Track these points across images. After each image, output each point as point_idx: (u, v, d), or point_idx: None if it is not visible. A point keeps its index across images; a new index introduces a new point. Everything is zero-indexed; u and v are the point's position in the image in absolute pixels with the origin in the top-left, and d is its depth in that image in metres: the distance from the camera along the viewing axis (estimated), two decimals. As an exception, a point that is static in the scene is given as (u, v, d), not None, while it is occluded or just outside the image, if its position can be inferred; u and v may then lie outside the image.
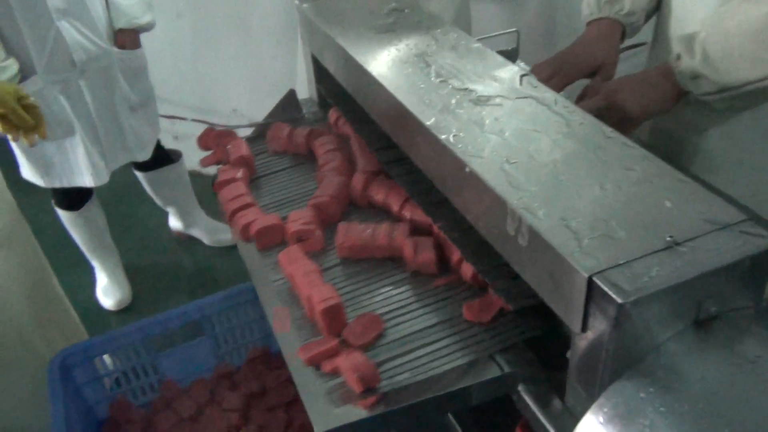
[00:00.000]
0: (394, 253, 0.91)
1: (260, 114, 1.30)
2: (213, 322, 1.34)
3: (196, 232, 2.46)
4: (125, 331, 1.26)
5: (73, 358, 1.23)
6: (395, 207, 0.95)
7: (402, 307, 0.85)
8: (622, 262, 0.58)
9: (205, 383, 1.33)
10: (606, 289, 0.56)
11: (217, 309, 1.33)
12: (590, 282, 0.58)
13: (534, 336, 0.78)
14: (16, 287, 1.24)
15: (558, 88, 1.00)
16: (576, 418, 0.67)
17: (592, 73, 1.03)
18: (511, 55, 1.01)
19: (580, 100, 0.99)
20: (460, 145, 0.75)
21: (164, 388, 1.33)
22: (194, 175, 2.48)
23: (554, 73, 1.01)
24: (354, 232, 0.92)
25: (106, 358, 1.27)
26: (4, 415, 1.22)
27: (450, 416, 0.88)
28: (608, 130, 0.76)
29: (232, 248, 2.46)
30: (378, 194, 0.97)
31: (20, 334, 1.24)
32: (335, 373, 0.78)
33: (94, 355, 1.25)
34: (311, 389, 0.82)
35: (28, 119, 1.27)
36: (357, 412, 0.75)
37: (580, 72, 1.03)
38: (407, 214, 0.94)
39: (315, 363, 0.79)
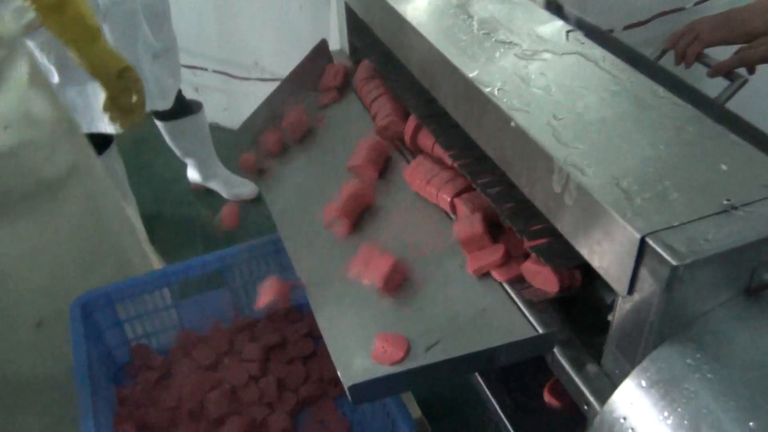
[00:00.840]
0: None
1: (282, 68, 1.27)
2: (234, 273, 1.33)
3: (214, 185, 2.45)
4: (147, 278, 1.26)
5: (94, 302, 1.22)
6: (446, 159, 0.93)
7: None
8: (676, 224, 0.56)
9: (224, 333, 1.33)
10: (660, 250, 0.54)
11: (239, 260, 1.32)
12: (643, 243, 0.56)
13: (568, 298, 0.76)
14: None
15: (701, 47, 1.05)
16: (613, 383, 0.66)
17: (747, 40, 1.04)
18: (556, 9, 0.98)
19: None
20: (504, 99, 0.73)
21: (183, 336, 1.33)
22: (214, 128, 2.46)
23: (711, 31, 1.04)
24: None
25: (128, 303, 1.27)
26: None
27: (477, 375, 0.87)
28: (660, 90, 0.73)
29: (249, 202, 2.45)
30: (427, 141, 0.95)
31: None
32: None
33: (115, 300, 1.24)
34: (341, 342, 0.81)
35: (126, 98, 1.25)
36: (384, 368, 0.74)
37: (738, 35, 1.04)
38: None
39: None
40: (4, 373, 1.28)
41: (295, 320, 1.38)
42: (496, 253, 0.80)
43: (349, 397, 0.74)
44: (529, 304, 0.75)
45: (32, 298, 1.23)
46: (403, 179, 0.97)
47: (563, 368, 0.69)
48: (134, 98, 1.31)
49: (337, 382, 1.27)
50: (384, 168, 1.04)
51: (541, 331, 0.72)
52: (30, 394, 1.30)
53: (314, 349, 1.32)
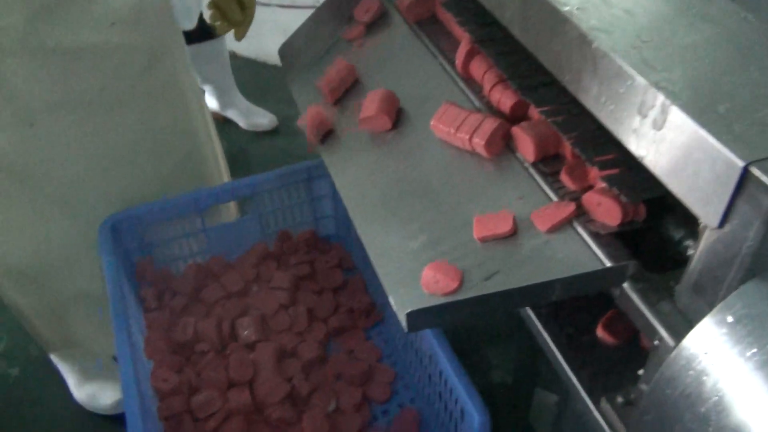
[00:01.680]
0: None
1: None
2: (264, 200, 1.31)
3: (232, 114, 2.40)
4: (177, 201, 1.23)
5: (123, 223, 1.20)
6: (487, 86, 0.89)
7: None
8: (780, 152, 0.53)
9: (253, 261, 1.31)
10: (764, 179, 0.51)
11: (270, 187, 1.29)
12: (745, 171, 0.52)
13: (629, 233, 0.73)
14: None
15: None
16: (688, 319, 0.64)
17: None
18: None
19: None
20: (584, 19, 0.68)
21: (212, 261, 1.31)
22: (231, 57, 2.39)
23: None
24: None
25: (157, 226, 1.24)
26: None
27: (528, 309, 0.85)
28: (748, 16, 0.69)
29: (267, 133, 2.41)
30: (478, 70, 0.90)
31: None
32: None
33: (145, 222, 1.22)
34: (392, 270, 0.79)
35: (236, 10, 1.21)
36: (440, 298, 0.72)
37: None
38: (497, 95, 0.88)
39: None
40: (73, 282, 1.28)
41: (325, 251, 1.37)
42: (567, 208, 0.76)
43: (405, 326, 0.73)
44: (595, 236, 0.72)
45: (107, 206, 1.21)
46: (421, 129, 0.93)
47: (633, 303, 0.67)
48: (241, 14, 1.26)
49: (367, 313, 1.27)
50: (397, 119, 0.99)
51: (608, 264, 0.69)
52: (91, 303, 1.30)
53: (344, 281, 1.31)
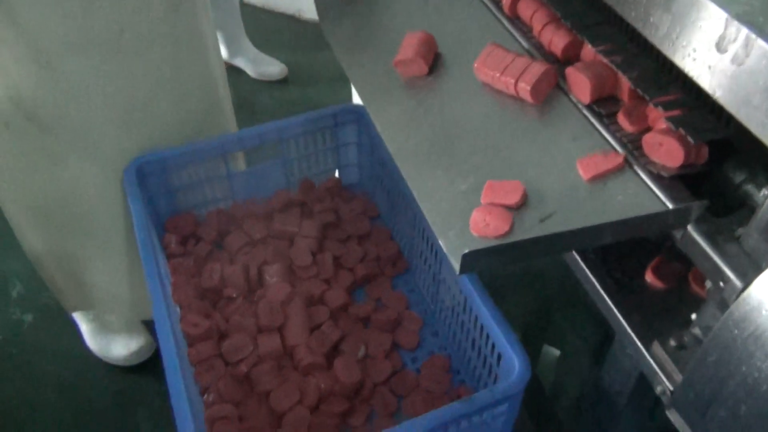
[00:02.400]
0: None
1: None
2: (290, 146, 1.29)
3: (240, 62, 2.36)
4: (202, 146, 1.20)
5: (148, 166, 1.18)
6: (537, 26, 0.86)
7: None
8: None
9: (277, 208, 1.29)
10: None
11: (296, 132, 1.26)
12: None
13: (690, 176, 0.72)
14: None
15: None
16: (757, 262, 0.63)
17: None
18: None
19: None
20: (655, -50, 0.66)
21: (235, 208, 1.29)
22: (243, 6, 2.34)
23: None
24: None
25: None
26: None
27: (575, 254, 0.84)
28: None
29: (276, 82, 2.37)
30: (527, 10, 0.88)
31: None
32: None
33: (170, 166, 1.20)
34: (441, 212, 0.78)
35: None
36: (493, 240, 0.71)
37: None
38: (548, 35, 0.86)
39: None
40: (93, 231, 1.26)
41: (348, 200, 1.35)
42: (615, 159, 0.75)
43: (457, 268, 0.72)
44: (656, 178, 0.71)
45: (126, 154, 1.18)
46: (460, 74, 0.91)
47: (698, 245, 0.66)
48: None
49: (394, 262, 1.26)
50: (434, 64, 0.97)
51: (670, 206, 0.68)
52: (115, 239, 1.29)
53: (370, 229, 1.30)
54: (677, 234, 0.69)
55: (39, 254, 1.33)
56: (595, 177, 0.74)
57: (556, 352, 1.64)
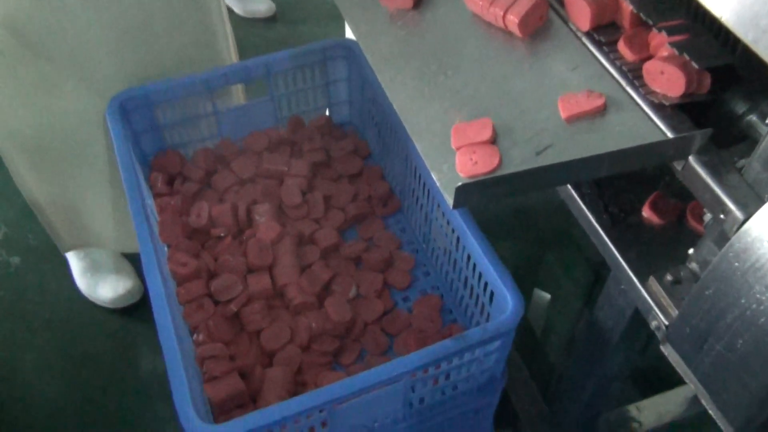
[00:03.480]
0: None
1: None
2: (278, 82, 1.25)
3: (228, 0, 2.28)
4: (187, 81, 1.17)
5: (132, 102, 1.14)
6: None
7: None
8: None
9: (266, 146, 1.27)
10: None
11: (284, 67, 1.23)
12: None
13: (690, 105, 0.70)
14: None
15: None
16: (759, 194, 0.61)
17: None
18: None
19: None
20: None
21: (223, 146, 1.26)
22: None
23: None
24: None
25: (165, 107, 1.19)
26: None
27: (571, 190, 0.82)
28: None
29: (264, 21, 2.30)
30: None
31: None
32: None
33: (154, 102, 1.16)
34: (432, 144, 0.75)
35: None
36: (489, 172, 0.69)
37: None
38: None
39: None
40: (87, 166, 1.24)
41: (339, 138, 1.32)
42: (596, 101, 0.72)
43: (450, 202, 0.70)
44: (657, 108, 0.69)
45: (120, 81, 1.15)
46: (449, 6, 0.87)
47: (699, 176, 0.64)
48: None
49: (385, 201, 1.24)
50: None
51: (671, 135, 0.66)
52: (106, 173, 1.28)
53: (361, 168, 1.28)
54: (678, 165, 0.67)
55: (36, 196, 1.32)
56: (572, 117, 0.72)
57: (547, 296, 1.65)
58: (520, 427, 1.28)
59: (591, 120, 0.70)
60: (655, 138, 0.67)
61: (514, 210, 1.77)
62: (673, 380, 1.43)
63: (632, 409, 1.32)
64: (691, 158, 0.65)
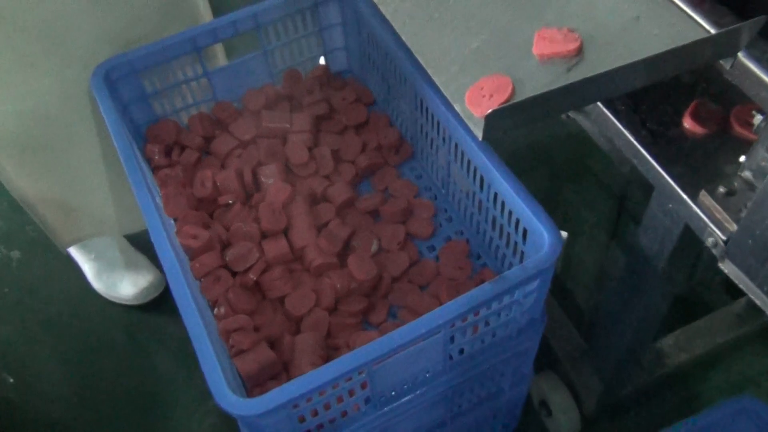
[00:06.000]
0: None
1: None
2: (269, 34, 1.19)
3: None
4: (172, 41, 1.11)
5: (116, 70, 1.09)
6: None
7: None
8: None
9: (263, 104, 1.22)
10: None
11: (274, 17, 1.17)
12: None
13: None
14: None
15: None
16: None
17: None
18: None
19: None
20: None
21: (218, 109, 1.21)
22: None
23: None
24: None
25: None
26: None
27: (603, 108, 0.78)
28: None
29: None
30: None
31: None
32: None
33: (140, 68, 1.11)
34: (449, 75, 0.71)
35: None
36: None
37: None
38: None
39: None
40: (69, 132, 1.20)
41: (339, 87, 1.28)
42: (570, 45, 0.67)
43: (480, 133, 0.66)
44: (696, 3, 0.64)
45: (99, 51, 1.10)
46: None
47: (751, 73, 0.60)
48: None
49: (397, 148, 1.20)
50: None
51: (713, 31, 0.62)
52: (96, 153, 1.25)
53: (367, 117, 1.23)
54: (726, 64, 0.63)
55: (25, 193, 1.27)
56: (543, 56, 0.68)
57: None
58: (559, 367, 1.27)
59: (626, 26, 0.66)
60: (697, 36, 0.62)
61: (527, 145, 1.73)
62: (710, 304, 1.41)
63: (675, 337, 1.30)
64: (740, 54, 0.61)
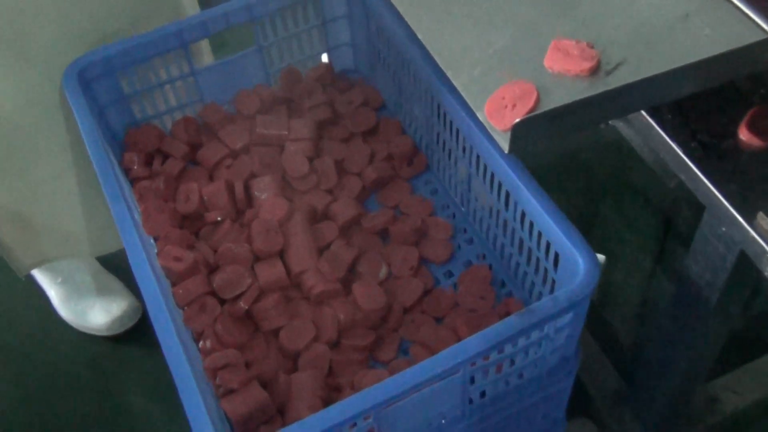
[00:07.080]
0: None
1: None
2: (265, 28, 1.21)
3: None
4: (156, 35, 1.13)
5: (92, 69, 1.11)
6: None
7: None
8: None
9: (257, 108, 1.24)
10: None
11: (270, 9, 1.19)
12: None
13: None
14: None
15: None
16: None
17: None
18: None
19: None
20: None
21: (206, 113, 1.23)
22: None
23: None
24: None
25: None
26: None
27: (648, 118, 0.79)
28: None
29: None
30: None
31: None
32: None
33: (119, 66, 1.13)
34: (470, 77, 0.72)
35: None
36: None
37: None
38: None
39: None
40: (33, 140, 1.22)
41: (344, 89, 1.29)
42: (585, 64, 0.69)
43: (507, 145, 0.67)
44: (753, 1, 0.65)
45: (69, 51, 1.12)
46: None
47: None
48: None
49: (410, 159, 1.22)
50: None
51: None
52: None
53: (376, 122, 1.25)
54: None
55: None
56: (552, 69, 0.71)
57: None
58: (596, 413, 1.27)
59: (673, 27, 0.67)
60: (755, 37, 0.63)
61: (559, 156, 1.75)
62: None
63: (729, 379, 1.30)
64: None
